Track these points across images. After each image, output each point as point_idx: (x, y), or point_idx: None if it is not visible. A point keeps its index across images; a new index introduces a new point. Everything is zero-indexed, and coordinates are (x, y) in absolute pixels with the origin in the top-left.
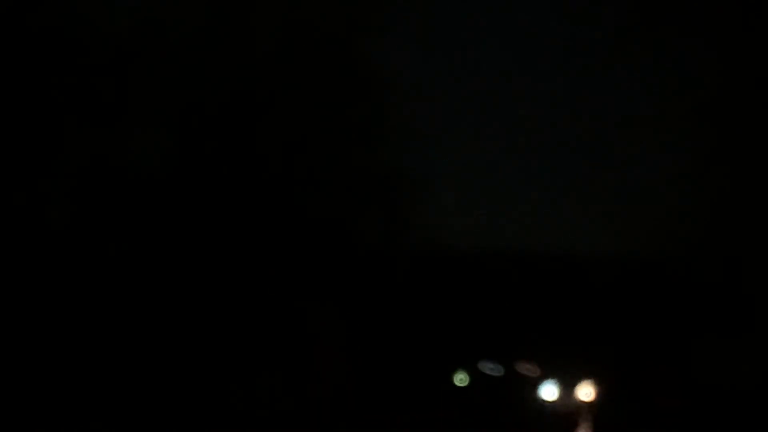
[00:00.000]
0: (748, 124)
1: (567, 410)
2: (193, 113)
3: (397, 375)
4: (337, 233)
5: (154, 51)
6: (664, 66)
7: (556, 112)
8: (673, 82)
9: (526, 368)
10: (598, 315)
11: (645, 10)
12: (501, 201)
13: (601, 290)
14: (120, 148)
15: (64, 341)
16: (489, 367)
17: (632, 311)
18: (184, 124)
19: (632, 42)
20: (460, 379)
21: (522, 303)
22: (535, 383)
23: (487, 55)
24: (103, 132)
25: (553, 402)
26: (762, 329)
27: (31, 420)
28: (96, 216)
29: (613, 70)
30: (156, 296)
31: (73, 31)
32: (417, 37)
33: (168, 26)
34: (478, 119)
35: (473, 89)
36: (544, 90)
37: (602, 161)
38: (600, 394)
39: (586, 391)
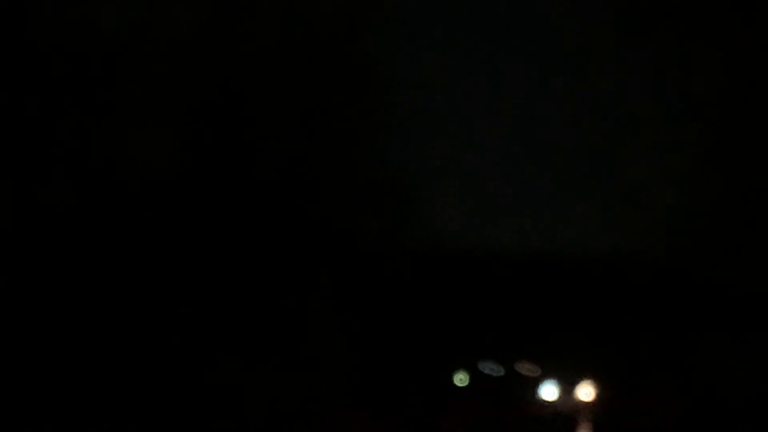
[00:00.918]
0: (749, 123)
1: (567, 410)
2: (192, 112)
3: (397, 375)
4: (337, 233)
5: (153, 50)
6: (664, 66)
7: (557, 112)
8: (673, 82)
9: (526, 368)
10: (598, 315)
11: (645, 10)
12: (501, 201)
13: (602, 290)
14: (122, 148)
15: (64, 341)
16: (489, 367)
17: (632, 311)
18: (184, 123)
19: (632, 42)
20: (460, 379)
21: (522, 303)
22: (535, 383)
23: (488, 55)
24: (103, 132)
25: (553, 402)
26: (762, 329)
27: (29, 419)
28: (96, 216)
29: (613, 70)
30: (156, 296)
31: (72, 31)
32: (417, 36)
33: (167, 25)
34: (478, 119)
35: (473, 89)
36: (544, 90)
37: (604, 160)
38: (600, 394)
39: (586, 391)
